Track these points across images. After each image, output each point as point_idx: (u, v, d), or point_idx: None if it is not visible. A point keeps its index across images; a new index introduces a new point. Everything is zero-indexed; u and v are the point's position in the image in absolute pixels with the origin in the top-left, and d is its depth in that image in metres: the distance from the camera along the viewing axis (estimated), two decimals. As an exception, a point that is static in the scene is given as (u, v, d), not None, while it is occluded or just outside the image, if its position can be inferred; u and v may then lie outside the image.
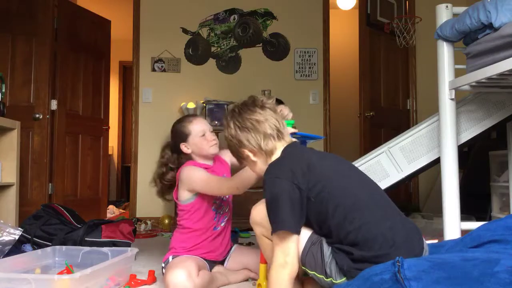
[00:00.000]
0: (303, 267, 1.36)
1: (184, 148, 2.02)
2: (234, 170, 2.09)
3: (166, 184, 2.06)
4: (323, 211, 1.28)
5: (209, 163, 2.06)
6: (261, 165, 1.43)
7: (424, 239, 1.35)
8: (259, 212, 1.46)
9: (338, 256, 1.28)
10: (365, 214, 1.27)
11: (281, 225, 1.25)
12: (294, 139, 1.49)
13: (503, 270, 1.03)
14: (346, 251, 1.26)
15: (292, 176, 1.27)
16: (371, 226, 1.25)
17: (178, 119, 2.15)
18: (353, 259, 1.25)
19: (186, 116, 2.09)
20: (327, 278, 1.30)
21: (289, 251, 1.26)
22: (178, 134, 2.04)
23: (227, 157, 2.15)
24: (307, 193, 1.27)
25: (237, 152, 1.46)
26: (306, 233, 1.34)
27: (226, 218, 2.07)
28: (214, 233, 2.01)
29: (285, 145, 1.41)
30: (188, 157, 2.06)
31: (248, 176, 1.77)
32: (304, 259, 1.33)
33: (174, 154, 2.07)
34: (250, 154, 1.42)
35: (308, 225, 1.34)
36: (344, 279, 1.28)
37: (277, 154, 1.40)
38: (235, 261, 2.08)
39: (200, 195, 1.96)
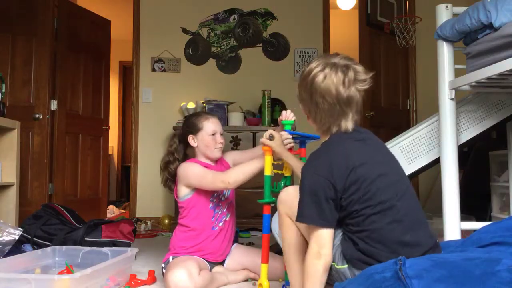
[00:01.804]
0: None
1: (191, 140, 2.04)
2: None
3: (172, 173, 2.06)
4: (348, 210, 1.27)
5: (211, 163, 2.06)
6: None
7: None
8: (287, 192, 1.46)
9: (345, 243, 1.30)
10: (387, 221, 1.24)
11: (317, 220, 1.25)
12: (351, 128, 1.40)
13: (505, 269, 1.03)
14: (353, 241, 1.28)
15: (330, 174, 1.26)
16: (388, 233, 1.24)
17: (196, 112, 2.18)
18: (358, 249, 1.26)
19: (204, 113, 2.12)
20: (332, 262, 1.31)
21: (324, 243, 1.25)
22: (190, 125, 2.07)
23: (229, 159, 2.16)
24: (341, 194, 1.26)
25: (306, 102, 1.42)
26: None
27: (224, 218, 2.06)
28: (213, 233, 2.01)
29: (334, 133, 1.37)
30: (192, 153, 2.08)
31: (242, 171, 1.80)
32: None
33: (181, 144, 2.10)
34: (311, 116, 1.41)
35: None
36: (346, 266, 1.29)
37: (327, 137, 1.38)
38: (234, 261, 2.08)
39: (197, 192, 1.98)
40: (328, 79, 1.31)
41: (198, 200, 1.99)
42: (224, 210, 2.07)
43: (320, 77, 1.32)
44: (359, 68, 1.34)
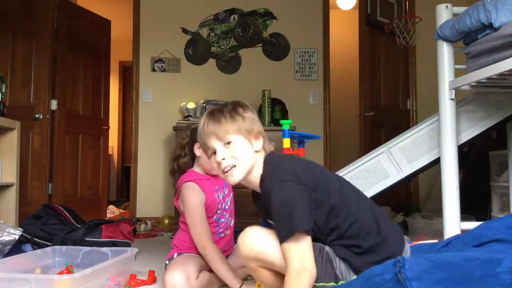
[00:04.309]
0: None
1: (197, 150, 2.00)
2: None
3: (181, 167, 2.04)
4: (326, 209, 1.27)
5: (208, 174, 2.05)
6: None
7: (405, 240, 1.38)
8: (250, 242, 1.35)
9: (348, 254, 1.28)
10: (360, 210, 1.31)
11: (296, 226, 1.20)
12: (271, 150, 1.42)
13: (505, 271, 1.02)
14: (354, 246, 1.28)
15: (297, 177, 1.25)
16: (367, 219, 1.30)
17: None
18: (359, 252, 1.27)
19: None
20: (337, 283, 1.28)
21: (305, 255, 1.21)
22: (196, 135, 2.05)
23: None
24: (314, 191, 1.26)
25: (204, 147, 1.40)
26: None
27: (229, 225, 2.07)
28: (216, 238, 2.01)
29: (264, 155, 1.36)
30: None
31: (216, 261, 1.83)
32: None
33: (190, 144, 2.06)
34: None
35: None
36: (354, 277, 1.27)
37: (258, 166, 1.34)
38: (234, 260, 2.09)
39: None
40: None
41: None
42: (228, 217, 2.07)
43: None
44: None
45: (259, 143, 1.34)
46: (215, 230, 2.00)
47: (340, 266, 1.29)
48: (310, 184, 1.26)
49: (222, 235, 2.03)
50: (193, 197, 1.92)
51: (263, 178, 1.31)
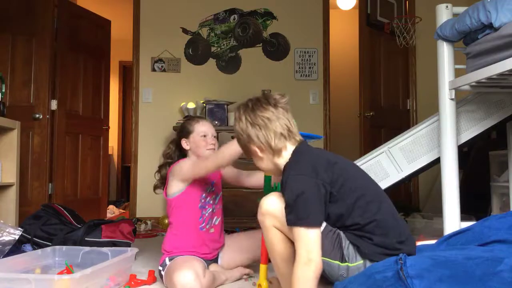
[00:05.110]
0: None
1: (184, 143, 2.10)
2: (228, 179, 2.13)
3: (163, 176, 2.15)
4: (344, 204, 1.31)
5: None
6: (267, 162, 1.45)
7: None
8: (272, 202, 1.42)
9: (359, 241, 1.31)
10: (381, 206, 1.34)
11: (306, 221, 1.25)
12: (303, 139, 1.50)
13: (507, 269, 1.02)
14: (366, 237, 1.30)
15: (315, 172, 1.29)
16: (387, 217, 1.33)
17: (187, 116, 2.23)
18: (374, 244, 1.29)
19: (196, 116, 2.19)
20: (342, 263, 1.32)
21: (312, 248, 1.25)
22: (182, 129, 2.14)
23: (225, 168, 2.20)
24: (330, 189, 1.29)
25: (245, 146, 1.48)
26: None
27: (213, 222, 2.09)
28: (202, 233, 2.04)
29: (296, 145, 1.43)
30: (184, 156, 2.13)
31: (229, 153, 1.83)
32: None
33: (176, 150, 2.17)
34: (258, 150, 1.43)
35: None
36: (361, 261, 1.30)
37: (287, 153, 1.42)
38: (230, 259, 2.12)
39: (187, 190, 2.01)
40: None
41: (187, 197, 2.02)
42: (214, 211, 2.10)
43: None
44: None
45: None
46: (199, 221, 2.04)
47: (349, 248, 1.32)
48: (327, 179, 1.29)
49: (204, 229, 2.05)
50: (185, 160, 2.06)
51: (285, 167, 1.39)
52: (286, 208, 1.30)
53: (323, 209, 1.29)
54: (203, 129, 2.08)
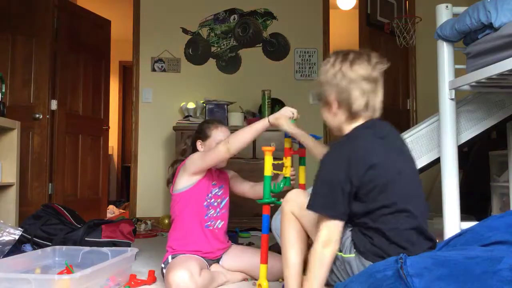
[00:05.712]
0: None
1: (199, 145, 2.12)
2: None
3: (175, 171, 2.14)
4: (365, 206, 1.30)
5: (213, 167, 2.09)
6: (335, 120, 1.43)
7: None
8: (297, 193, 1.49)
9: (359, 236, 1.32)
10: (407, 220, 1.30)
11: (330, 211, 1.28)
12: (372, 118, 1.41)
13: (506, 268, 1.03)
14: (369, 236, 1.30)
15: (349, 169, 1.28)
16: (406, 230, 1.30)
17: (208, 119, 2.40)
18: (373, 244, 1.29)
19: (217, 121, 2.18)
20: (338, 252, 1.33)
21: (334, 233, 1.28)
22: (200, 131, 2.15)
23: (231, 174, 2.23)
24: (356, 189, 1.29)
25: (322, 95, 1.43)
26: None
27: (216, 224, 2.08)
28: (207, 231, 2.03)
29: (362, 122, 1.38)
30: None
31: (242, 138, 1.84)
32: None
33: (190, 146, 2.18)
34: (335, 105, 1.40)
35: None
36: (353, 255, 1.32)
37: (355, 123, 1.38)
38: (231, 262, 2.10)
39: (195, 186, 2.01)
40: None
41: (194, 193, 2.01)
42: (218, 215, 2.09)
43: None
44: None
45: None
46: (204, 219, 2.04)
47: (346, 241, 1.34)
48: (355, 176, 1.27)
49: (211, 228, 2.05)
50: (198, 152, 2.06)
51: (331, 144, 1.40)
52: (312, 188, 1.33)
53: (348, 204, 1.29)
54: (220, 136, 2.07)
